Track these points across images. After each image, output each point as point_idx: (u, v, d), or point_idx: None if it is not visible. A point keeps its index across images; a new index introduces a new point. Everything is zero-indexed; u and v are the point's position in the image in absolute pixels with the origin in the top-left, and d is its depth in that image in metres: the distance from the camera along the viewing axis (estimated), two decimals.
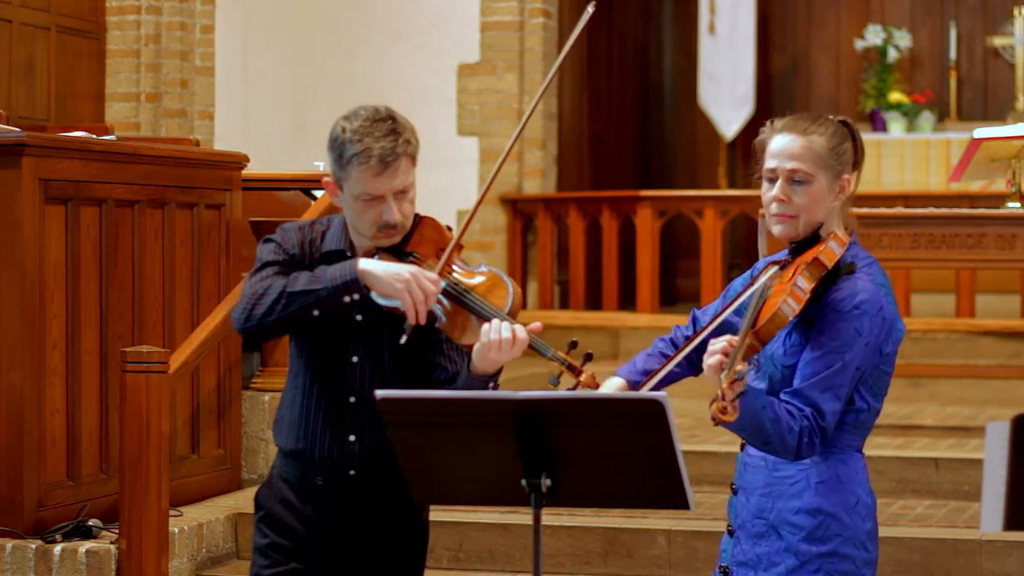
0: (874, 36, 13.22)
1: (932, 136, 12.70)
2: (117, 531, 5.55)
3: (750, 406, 3.29)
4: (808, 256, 3.47)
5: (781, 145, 3.53)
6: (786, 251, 3.63)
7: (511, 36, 11.16)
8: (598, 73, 12.65)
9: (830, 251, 3.47)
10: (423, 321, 3.54)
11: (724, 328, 3.67)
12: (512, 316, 3.57)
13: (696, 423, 7.45)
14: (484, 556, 6.13)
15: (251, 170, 6.92)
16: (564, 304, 11.03)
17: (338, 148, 3.63)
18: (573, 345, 3.57)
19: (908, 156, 12.57)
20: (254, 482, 6.67)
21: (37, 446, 5.63)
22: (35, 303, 5.61)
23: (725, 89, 12.21)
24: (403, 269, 3.56)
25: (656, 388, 3.56)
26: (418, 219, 3.72)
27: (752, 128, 12.25)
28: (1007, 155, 7.31)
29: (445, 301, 3.61)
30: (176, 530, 5.81)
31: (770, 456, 3.48)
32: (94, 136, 6.31)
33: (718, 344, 3.30)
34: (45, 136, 5.97)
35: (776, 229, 3.55)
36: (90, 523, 5.69)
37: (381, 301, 3.64)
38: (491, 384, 3.59)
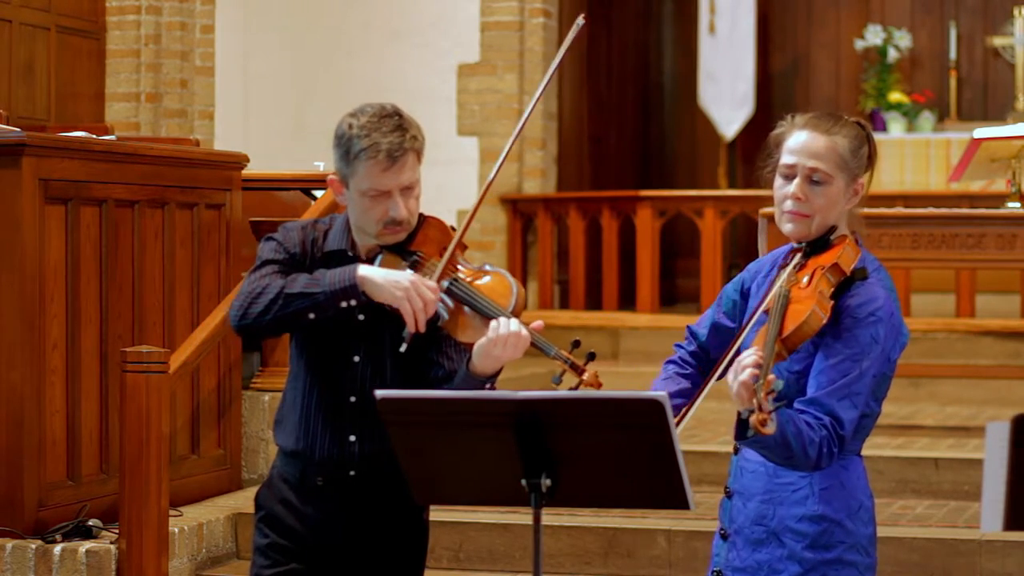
0: (874, 36, 13.21)
1: (932, 136, 12.69)
2: (117, 531, 5.55)
3: (776, 421, 3.22)
4: (826, 261, 3.41)
5: (802, 142, 3.47)
6: (784, 250, 3.60)
7: (511, 36, 11.16)
8: (598, 73, 12.65)
9: (848, 257, 3.42)
10: (423, 329, 3.54)
11: (723, 331, 3.65)
12: (515, 315, 3.57)
13: (696, 423, 7.45)
14: (484, 556, 6.13)
15: (251, 170, 6.92)
16: (564, 304, 11.03)
17: (345, 144, 3.63)
18: (576, 344, 3.56)
19: (908, 156, 12.56)
20: (254, 482, 6.67)
21: (37, 446, 5.63)
22: (35, 303, 5.61)
23: (725, 89, 12.21)
24: (403, 276, 3.55)
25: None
26: (422, 218, 3.72)
27: (752, 128, 12.26)
28: (1007, 155, 7.31)
29: (448, 300, 3.61)
30: (176, 530, 5.81)
31: (770, 462, 3.43)
32: (94, 136, 6.31)
33: (748, 358, 3.24)
34: (45, 136, 5.97)
35: (787, 227, 3.49)
36: (90, 523, 5.69)
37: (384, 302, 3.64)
38: (488, 386, 3.59)
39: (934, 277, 10.08)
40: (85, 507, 5.77)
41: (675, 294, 12.44)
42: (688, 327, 3.76)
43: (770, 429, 3.16)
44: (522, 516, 5.97)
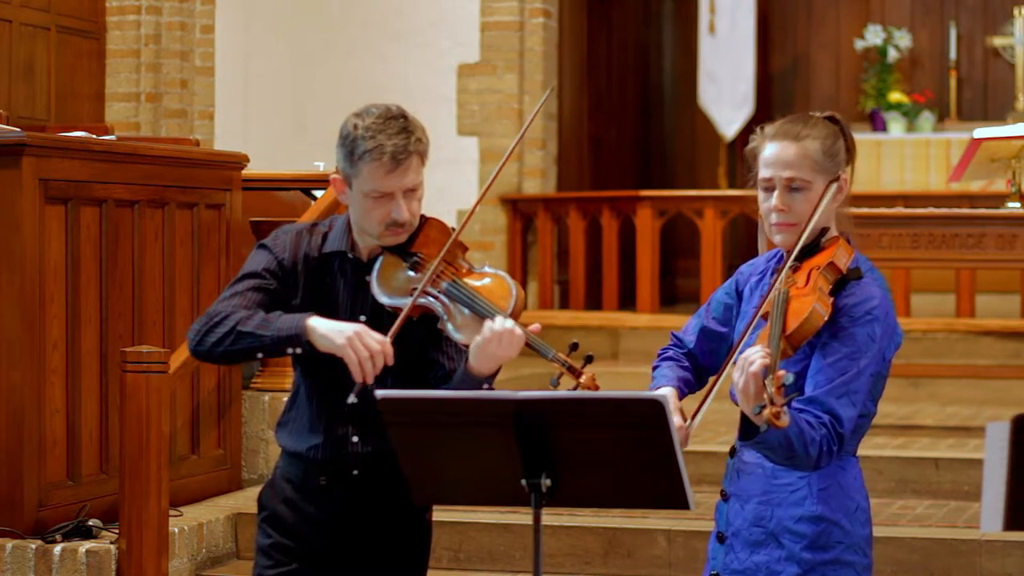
0: (874, 36, 13.22)
1: (932, 136, 12.70)
2: (117, 531, 5.55)
3: (788, 414, 3.22)
4: (821, 261, 3.42)
5: (774, 154, 3.47)
6: (774, 254, 3.60)
7: (511, 36, 11.16)
8: (598, 73, 12.65)
9: (842, 256, 3.43)
10: (369, 380, 3.53)
11: (713, 337, 3.65)
12: (514, 317, 3.57)
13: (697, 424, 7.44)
14: (484, 556, 6.13)
15: (251, 170, 6.92)
16: (564, 304, 11.02)
17: (349, 144, 3.63)
18: (574, 347, 3.57)
19: (908, 156, 12.57)
20: (254, 482, 6.67)
21: (37, 446, 5.63)
22: (35, 303, 5.61)
23: (725, 89, 12.20)
24: (347, 327, 3.55)
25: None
26: (424, 220, 3.72)
27: (752, 128, 12.25)
28: (1007, 155, 7.32)
29: (447, 300, 3.61)
30: (176, 530, 5.81)
31: (768, 463, 3.43)
32: (94, 136, 6.31)
33: (754, 353, 3.23)
34: (45, 136, 5.97)
35: (778, 239, 3.49)
36: (90, 523, 5.69)
37: (384, 300, 3.64)
38: (485, 387, 3.59)
39: (934, 277, 10.08)
40: (85, 507, 5.77)
41: (675, 294, 12.44)
42: (673, 334, 3.74)
43: (784, 421, 3.17)
44: (522, 516, 5.97)
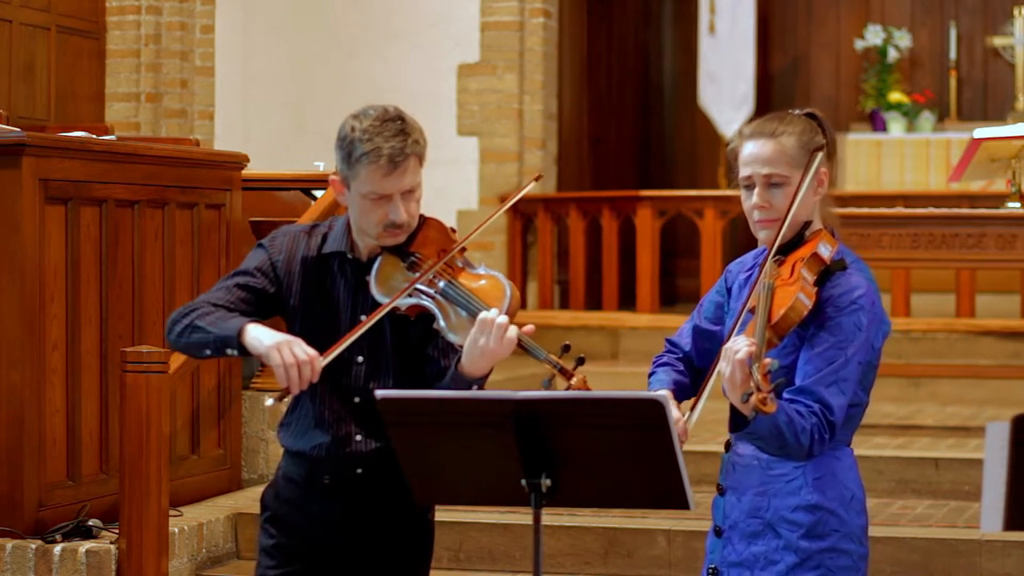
0: (874, 36, 13.22)
1: (932, 136, 12.70)
2: (117, 531, 5.55)
3: (764, 416, 3.26)
4: (805, 252, 3.46)
5: (752, 152, 3.53)
6: (761, 251, 3.62)
7: (511, 36, 11.16)
8: (598, 73, 12.65)
9: (825, 247, 3.47)
10: (293, 388, 3.53)
11: (706, 336, 3.67)
12: (508, 317, 3.57)
13: (696, 423, 7.43)
14: (484, 556, 6.13)
15: (251, 170, 6.92)
16: (564, 304, 11.02)
17: (347, 147, 3.63)
18: (566, 348, 3.57)
19: (908, 156, 12.57)
20: (254, 482, 6.67)
21: (37, 446, 5.63)
22: (35, 303, 5.61)
23: (725, 89, 12.21)
24: (280, 335, 3.55)
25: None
26: (423, 220, 3.72)
27: None
28: (1007, 155, 7.32)
29: (443, 299, 3.61)
30: (176, 530, 5.81)
31: (763, 455, 3.47)
32: (94, 136, 6.31)
33: (740, 341, 3.27)
34: (45, 136, 5.97)
35: (762, 235, 3.54)
36: (90, 523, 5.69)
37: (381, 299, 3.64)
38: (475, 388, 3.59)
39: (934, 277, 10.08)
40: (85, 507, 5.77)
41: (675, 294, 12.44)
42: (667, 340, 3.78)
43: (772, 407, 3.20)
44: (522, 516, 5.97)
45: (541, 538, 3.23)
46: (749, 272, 3.64)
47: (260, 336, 3.57)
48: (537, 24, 11.19)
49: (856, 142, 12.67)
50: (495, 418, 3.16)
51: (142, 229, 6.11)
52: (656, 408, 3.08)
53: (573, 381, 3.53)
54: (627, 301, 10.68)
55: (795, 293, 3.35)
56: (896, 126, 12.90)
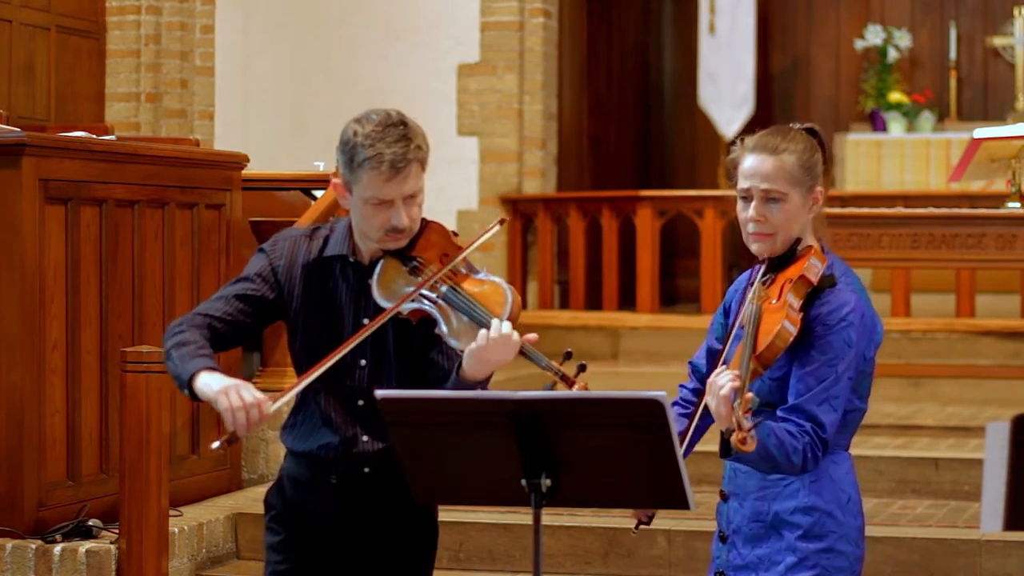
0: (874, 36, 13.22)
1: (932, 136, 12.70)
2: (117, 531, 5.55)
3: (756, 437, 3.31)
4: (792, 273, 3.50)
5: (753, 165, 3.57)
6: (757, 268, 3.64)
7: (511, 36, 11.16)
8: (598, 73, 12.65)
9: (814, 267, 3.52)
10: (240, 431, 3.54)
11: (718, 357, 3.69)
12: (510, 324, 3.57)
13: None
14: (484, 556, 6.13)
15: (251, 170, 6.92)
16: (564, 304, 11.02)
17: (349, 151, 3.63)
18: (568, 356, 3.57)
19: (908, 156, 12.56)
20: (254, 482, 6.67)
21: (37, 446, 5.63)
22: (35, 303, 5.61)
23: (725, 89, 12.21)
24: (228, 381, 3.56)
25: (690, 443, 3.59)
26: (424, 224, 3.72)
27: (752, 128, 12.25)
28: (1007, 155, 7.32)
29: (444, 304, 3.61)
30: (176, 530, 5.81)
31: (758, 471, 3.53)
32: (94, 136, 6.31)
33: (723, 376, 3.32)
34: (45, 136, 5.97)
35: (755, 247, 3.59)
36: (90, 523, 5.69)
37: (384, 304, 3.64)
38: (478, 390, 3.59)
39: (934, 277, 10.08)
40: (85, 507, 5.77)
41: (675, 294, 12.43)
42: (689, 362, 3.84)
43: (750, 447, 3.27)
44: (522, 516, 5.97)
45: (541, 538, 3.24)
46: (744, 291, 3.68)
47: (209, 382, 3.58)
48: (537, 24, 11.19)
49: (856, 142, 12.67)
50: (495, 418, 3.16)
51: (142, 229, 6.11)
52: (656, 408, 3.08)
53: (575, 388, 3.54)
54: (627, 301, 10.68)
55: (779, 322, 3.40)
56: (896, 126, 12.90)
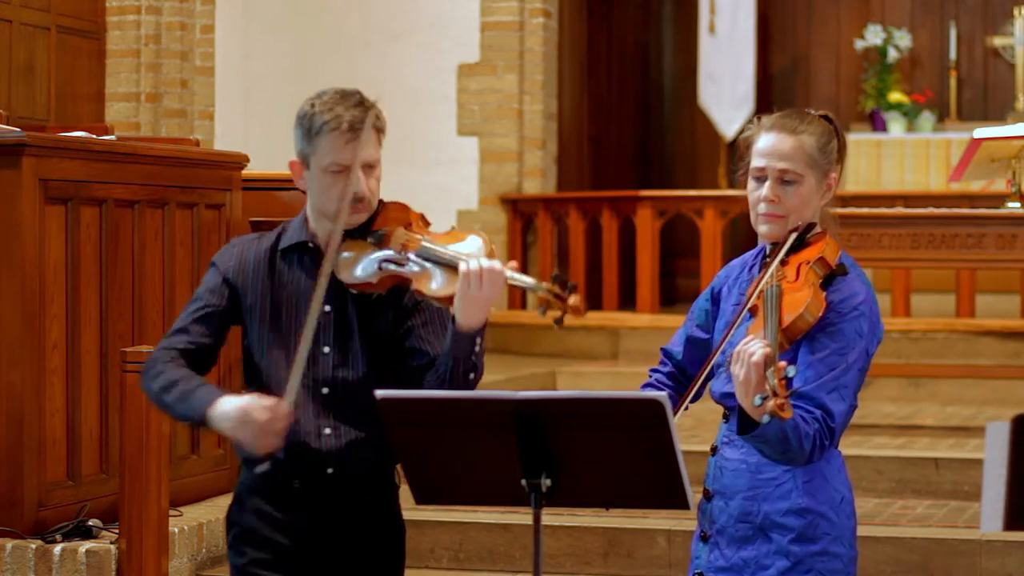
0: (874, 36, 13.22)
1: (932, 136, 12.70)
2: (117, 531, 5.55)
3: (774, 421, 3.21)
4: (809, 255, 3.43)
5: (770, 144, 3.50)
6: (754, 252, 3.60)
7: (511, 36, 11.16)
8: (598, 73, 12.65)
9: (831, 250, 3.45)
10: (278, 450, 3.52)
11: (698, 345, 3.65)
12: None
13: (696, 423, 7.45)
14: (484, 556, 6.13)
15: (251, 170, 6.92)
16: None
17: (307, 122, 3.63)
18: (557, 278, 3.50)
19: (908, 156, 12.57)
20: None
21: (37, 446, 5.63)
22: (35, 303, 5.61)
23: (725, 89, 12.21)
24: (238, 407, 3.53)
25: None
26: (382, 204, 3.69)
27: None
28: (1007, 155, 7.32)
29: (418, 263, 3.55)
30: (176, 530, 5.81)
31: (751, 458, 3.46)
32: (94, 136, 6.31)
33: (754, 344, 3.21)
34: (45, 136, 5.97)
35: (763, 229, 3.51)
36: (90, 523, 5.69)
37: (353, 280, 3.60)
38: (477, 341, 3.51)
39: (934, 277, 10.08)
40: (85, 507, 5.77)
41: (675, 294, 12.44)
42: (662, 349, 3.76)
43: (789, 412, 3.15)
44: (522, 516, 5.97)
45: (541, 538, 3.23)
46: (738, 276, 3.62)
47: (222, 418, 3.55)
48: (537, 24, 11.19)
49: (856, 142, 12.67)
50: (495, 418, 3.16)
51: (142, 229, 6.11)
52: (656, 408, 3.08)
53: (571, 302, 3.45)
54: (627, 301, 10.68)
55: (807, 298, 3.32)
56: (896, 126, 12.90)
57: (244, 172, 6.74)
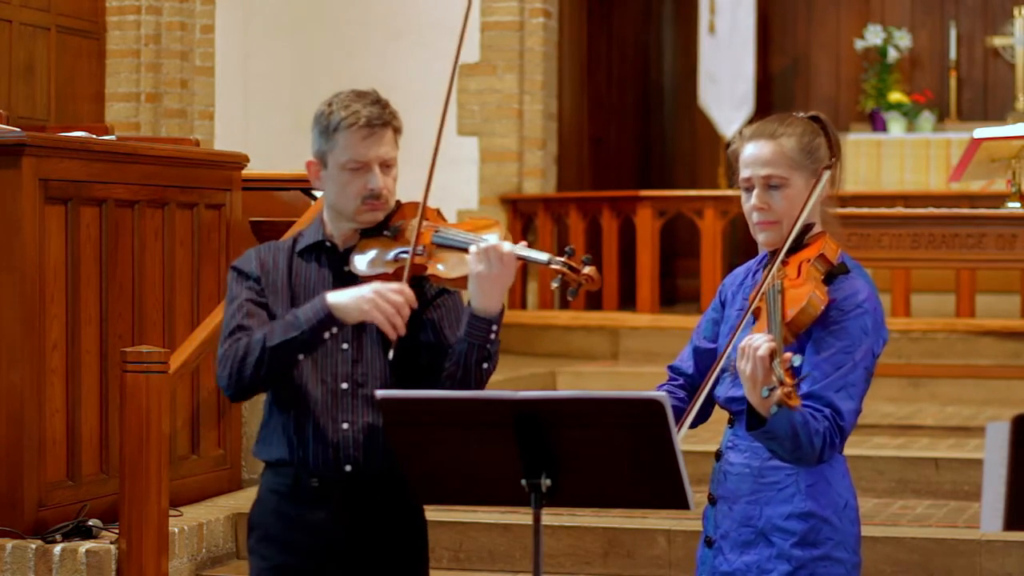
0: (874, 36, 13.22)
1: (932, 136, 12.70)
2: (117, 531, 5.55)
3: (782, 413, 3.20)
4: (811, 253, 3.43)
5: (752, 153, 3.51)
6: (758, 259, 3.60)
7: (511, 36, 11.16)
8: (598, 73, 12.65)
9: (831, 248, 3.45)
10: (402, 331, 3.52)
11: (705, 355, 3.65)
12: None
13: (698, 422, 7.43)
14: (484, 556, 6.13)
15: (251, 170, 6.92)
16: (564, 304, 11.01)
17: (324, 120, 3.66)
18: (569, 251, 3.53)
19: (908, 156, 12.57)
20: (254, 482, 6.65)
21: (37, 446, 5.63)
22: (35, 303, 5.61)
23: (725, 89, 12.21)
24: (366, 290, 3.53)
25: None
26: (398, 204, 3.72)
27: None
28: (1007, 155, 7.32)
29: (439, 250, 3.59)
30: (176, 530, 5.81)
31: (754, 462, 3.44)
32: (94, 136, 6.31)
33: (757, 338, 3.21)
34: (45, 136, 5.97)
35: (761, 237, 3.51)
36: (90, 523, 5.69)
37: (365, 273, 3.61)
38: (493, 328, 3.54)
39: (934, 277, 10.08)
40: (85, 507, 5.77)
41: (675, 294, 12.44)
42: (669, 367, 3.74)
43: (797, 401, 3.14)
44: (522, 516, 5.97)
45: (541, 538, 3.24)
46: (742, 281, 3.62)
47: (349, 304, 3.53)
48: (537, 24, 11.19)
49: (856, 142, 12.68)
50: (495, 418, 3.16)
51: (142, 229, 6.11)
52: (656, 408, 3.08)
53: (586, 271, 3.48)
54: (627, 301, 10.68)
55: (809, 292, 3.32)
56: (896, 126, 12.90)
57: (244, 172, 6.74)
